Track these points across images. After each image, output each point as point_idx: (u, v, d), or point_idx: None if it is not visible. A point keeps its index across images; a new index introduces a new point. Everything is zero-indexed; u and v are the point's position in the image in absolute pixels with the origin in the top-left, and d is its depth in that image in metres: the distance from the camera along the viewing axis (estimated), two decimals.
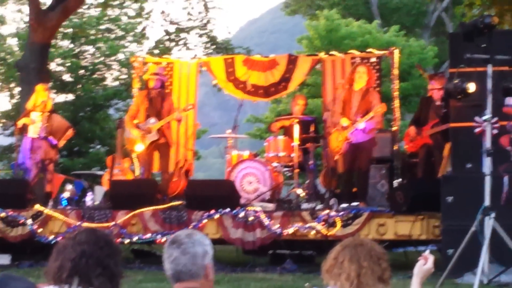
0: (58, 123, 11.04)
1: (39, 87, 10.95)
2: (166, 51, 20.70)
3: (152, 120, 10.31)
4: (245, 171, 10.12)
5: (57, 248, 2.91)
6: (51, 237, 9.46)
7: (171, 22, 21.13)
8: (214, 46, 21.51)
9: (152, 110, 10.38)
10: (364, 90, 9.65)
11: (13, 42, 24.11)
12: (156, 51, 21.28)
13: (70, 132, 11.18)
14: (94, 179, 14.32)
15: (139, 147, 10.33)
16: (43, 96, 10.80)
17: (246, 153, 10.74)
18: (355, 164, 9.71)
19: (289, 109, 14.38)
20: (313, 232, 8.90)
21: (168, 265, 3.05)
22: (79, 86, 23.22)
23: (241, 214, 9.11)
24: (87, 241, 2.88)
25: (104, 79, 24.48)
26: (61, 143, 11.15)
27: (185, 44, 21.86)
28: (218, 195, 9.36)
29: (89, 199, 10.66)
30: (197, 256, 3.05)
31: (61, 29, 20.65)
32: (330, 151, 9.83)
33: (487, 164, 6.87)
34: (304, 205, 9.54)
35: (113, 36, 24.77)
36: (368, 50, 12.69)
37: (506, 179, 7.23)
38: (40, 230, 9.57)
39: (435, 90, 9.99)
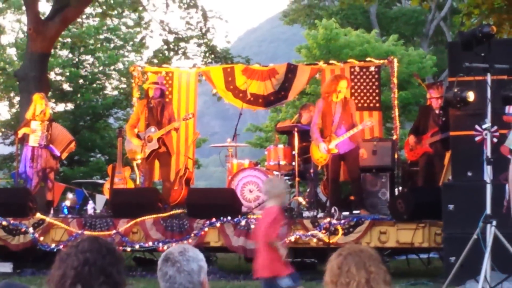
0: (60, 133, 11.07)
1: (36, 97, 10.97)
2: (165, 60, 20.71)
3: (153, 129, 10.34)
4: (245, 180, 10.14)
5: (60, 256, 2.90)
6: (53, 245, 9.45)
7: (170, 32, 21.13)
8: (213, 56, 21.52)
9: (152, 119, 10.42)
10: (343, 101, 9.70)
11: (12, 52, 24.20)
12: (155, 61, 21.29)
13: (73, 145, 11.25)
14: (95, 187, 14.34)
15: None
16: (41, 105, 10.82)
17: (246, 162, 10.76)
18: (339, 173, 9.80)
19: (290, 117, 14.41)
20: (314, 240, 8.92)
21: (163, 284, 3.04)
22: (79, 95, 23.26)
23: (243, 222, 9.12)
24: (90, 249, 2.87)
25: (103, 88, 24.54)
26: (64, 155, 11.25)
27: (184, 53, 21.86)
28: (219, 203, 9.37)
29: (90, 208, 10.67)
30: (192, 273, 3.04)
31: (60, 39, 20.72)
32: (314, 162, 9.83)
33: (487, 172, 6.88)
34: (306, 213, 9.54)
35: (112, 45, 24.85)
36: (367, 59, 12.71)
37: (507, 187, 7.23)
38: (41, 238, 9.57)
39: (434, 99, 10.03)
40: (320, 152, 9.61)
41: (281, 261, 5.88)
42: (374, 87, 11.58)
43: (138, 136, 10.45)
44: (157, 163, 10.65)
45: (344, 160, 9.77)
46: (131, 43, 25.05)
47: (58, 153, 10.92)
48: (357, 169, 9.84)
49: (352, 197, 10.28)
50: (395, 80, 11.67)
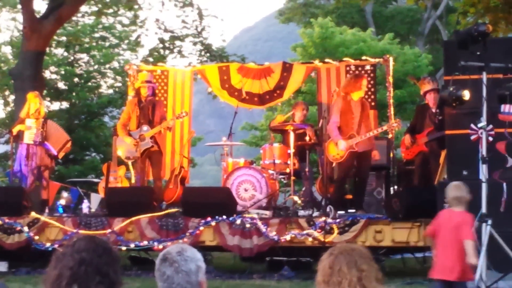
0: (55, 131, 11.06)
1: (30, 95, 10.96)
2: (161, 59, 20.70)
3: (145, 127, 10.32)
4: (241, 179, 10.13)
5: (56, 256, 2.88)
6: (48, 244, 9.44)
7: (166, 30, 21.14)
8: (208, 54, 21.54)
9: (143, 117, 10.40)
10: (362, 101, 9.79)
11: (7, 50, 24.13)
12: (151, 59, 21.29)
13: (69, 145, 11.26)
14: (89, 186, 14.32)
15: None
16: (36, 103, 10.80)
17: (241, 161, 10.75)
18: (350, 172, 9.82)
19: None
20: (310, 239, 8.92)
21: (161, 284, 3.02)
22: (74, 94, 23.22)
23: (238, 221, 9.12)
24: (86, 249, 2.85)
25: (98, 87, 24.50)
26: (61, 155, 11.25)
27: (179, 51, 21.88)
28: (215, 202, 9.36)
29: (85, 207, 10.65)
30: (190, 273, 3.03)
31: (55, 37, 20.67)
32: (328, 158, 9.82)
33: (483, 171, 6.89)
34: (301, 212, 9.55)
35: (107, 44, 24.80)
36: (363, 58, 12.72)
37: (505, 185, 7.25)
38: (36, 237, 9.55)
39: (428, 93, 10.03)
40: (338, 149, 9.59)
41: (468, 265, 5.89)
42: (369, 85, 11.58)
43: (130, 135, 10.44)
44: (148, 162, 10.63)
45: (358, 159, 9.75)
46: (126, 41, 25.02)
47: (55, 152, 10.91)
48: (368, 170, 9.92)
49: (349, 196, 10.29)
50: (390, 79, 11.69)
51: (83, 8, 21.36)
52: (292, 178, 10.18)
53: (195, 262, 3.05)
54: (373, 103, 11.58)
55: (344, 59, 12.73)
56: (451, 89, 7.20)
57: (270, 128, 12.27)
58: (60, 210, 11.00)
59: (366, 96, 11.33)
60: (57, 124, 11.80)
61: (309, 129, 10.71)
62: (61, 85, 23.72)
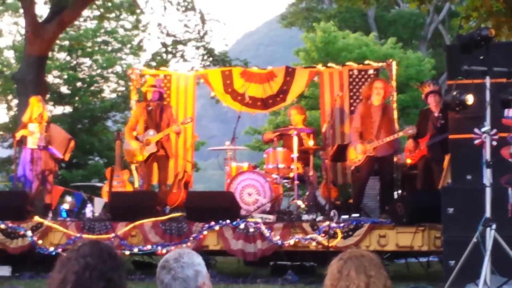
0: (58, 134, 11.06)
1: (33, 100, 10.94)
2: (163, 63, 20.71)
3: (151, 132, 10.34)
4: (244, 183, 10.13)
5: (61, 260, 2.88)
6: (51, 249, 9.43)
7: (168, 34, 21.14)
8: (211, 58, 21.53)
9: (150, 122, 10.42)
10: (383, 106, 9.85)
11: (10, 55, 24.19)
12: (153, 63, 21.30)
13: (72, 144, 11.22)
14: (93, 191, 14.32)
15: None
16: (38, 107, 10.80)
17: (245, 165, 10.74)
18: (369, 177, 9.95)
19: (287, 121, 14.42)
20: (314, 243, 8.91)
21: None
22: (77, 98, 23.26)
23: (242, 226, 9.10)
24: (91, 254, 2.84)
25: (101, 91, 24.54)
26: (67, 156, 11.19)
27: (182, 56, 21.88)
28: (218, 206, 9.36)
29: (88, 211, 10.65)
30: (188, 280, 3.02)
31: (57, 42, 20.71)
32: (348, 162, 9.95)
33: (487, 176, 6.88)
34: (305, 217, 9.54)
35: (110, 48, 24.84)
36: (366, 62, 12.72)
37: (510, 191, 7.23)
38: (40, 241, 9.54)
39: (429, 96, 10.04)
40: (356, 152, 9.80)
41: None
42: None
43: (136, 139, 10.45)
44: (155, 166, 10.65)
45: (379, 164, 9.93)
46: (129, 45, 25.05)
47: (60, 155, 10.90)
48: (390, 175, 10.04)
49: (350, 201, 10.31)
50: (393, 83, 11.68)
51: (85, 12, 21.41)
52: (296, 182, 10.18)
53: (192, 268, 3.05)
54: None
55: (347, 63, 12.75)
56: (454, 93, 7.19)
57: (264, 142, 12.29)
58: (64, 214, 11.01)
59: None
60: (58, 126, 11.81)
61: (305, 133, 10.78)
62: (64, 89, 23.77)
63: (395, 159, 10.15)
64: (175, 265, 3.03)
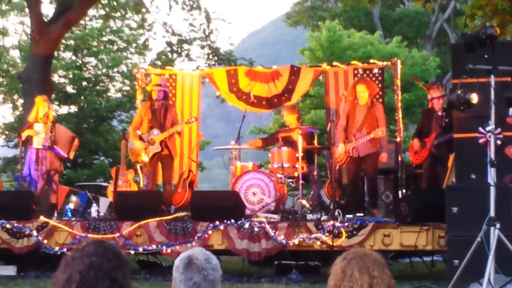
0: (62, 133, 11.08)
1: (39, 99, 10.96)
2: (169, 62, 20.71)
3: (155, 131, 10.35)
4: (249, 182, 10.14)
5: (66, 260, 2.89)
6: (57, 248, 9.45)
7: (173, 34, 21.13)
8: (216, 58, 21.52)
9: (155, 121, 10.43)
10: (369, 104, 9.85)
11: (15, 54, 24.24)
12: (159, 63, 21.31)
13: (76, 142, 11.23)
14: (98, 190, 14.34)
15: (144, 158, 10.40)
16: (44, 107, 10.82)
17: (250, 164, 10.75)
18: (359, 175, 9.91)
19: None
20: (318, 242, 8.91)
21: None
22: (82, 97, 23.29)
23: (246, 225, 9.10)
24: (96, 253, 2.86)
25: (107, 90, 24.57)
26: (71, 154, 11.19)
27: (187, 55, 21.88)
28: (223, 206, 9.36)
29: (94, 211, 10.67)
30: (216, 282, 3.03)
31: (63, 41, 20.73)
32: (334, 161, 9.94)
33: (491, 175, 6.87)
34: (309, 216, 9.54)
35: (115, 47, 24.87)
36: (371, 61, 12.72)
37: None
38: (45, 241, 9.56)
39: (435, 99, 10.05)
40: (339, 152, 9.93)
41: None
42: (377, 89, 11.57)
43: (141, 138, 10.46)
44: (160, 166, 10.66)
45: (363, 163, 10.01)
46: (134, 45, 25.07)
47: (65, 154, 10.93)
48: (373, 171, 10.03)
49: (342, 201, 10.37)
50: (398, 82, 11.68)
51: (91, 11, 21.43)
52: (301, 182, 10.18)
53: (219, 271, 3.06)
54: None
55: (352, 62, 12.75)
56: (459, 92, 7.18)
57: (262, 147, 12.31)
58: (69, 214, 11.03)
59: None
60: (63, 126, 11.83)
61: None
62: (70, 89, 23.81)
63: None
64: (207, 266, 3.01)
